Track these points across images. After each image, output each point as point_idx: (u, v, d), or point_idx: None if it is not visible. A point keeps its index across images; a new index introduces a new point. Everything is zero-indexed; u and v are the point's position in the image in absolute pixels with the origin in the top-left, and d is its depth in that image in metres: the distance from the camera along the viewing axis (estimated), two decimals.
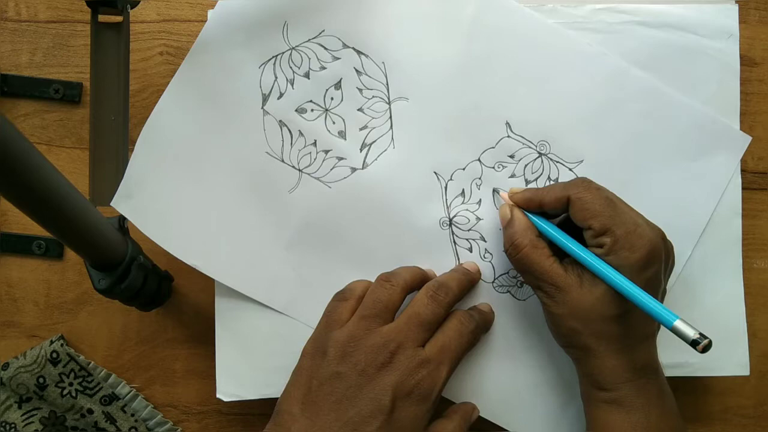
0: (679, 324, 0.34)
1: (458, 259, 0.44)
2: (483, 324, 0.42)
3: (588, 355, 0.38)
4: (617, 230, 0.37)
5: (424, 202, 0.44)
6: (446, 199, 0.44)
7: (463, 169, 0.44)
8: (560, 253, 0.39)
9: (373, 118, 0.44)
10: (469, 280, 0.42)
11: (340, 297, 0.41)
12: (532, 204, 0.40)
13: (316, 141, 0.44)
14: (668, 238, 0.39)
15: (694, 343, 0.33)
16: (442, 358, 0.38)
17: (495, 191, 0.43)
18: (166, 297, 0.46)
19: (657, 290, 0.38)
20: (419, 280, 0.41)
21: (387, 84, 0.44)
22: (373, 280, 0.43)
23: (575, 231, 0.39)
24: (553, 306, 0.38)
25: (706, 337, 0.33)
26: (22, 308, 0.48)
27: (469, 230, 0.44)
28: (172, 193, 0.44)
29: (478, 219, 0.44)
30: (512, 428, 0.44)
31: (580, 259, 0.38)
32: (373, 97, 0.44)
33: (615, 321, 0.37)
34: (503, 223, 0.41)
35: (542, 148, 0.44)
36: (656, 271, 0.37)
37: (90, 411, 0.46)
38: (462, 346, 0.40)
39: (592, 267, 0.37)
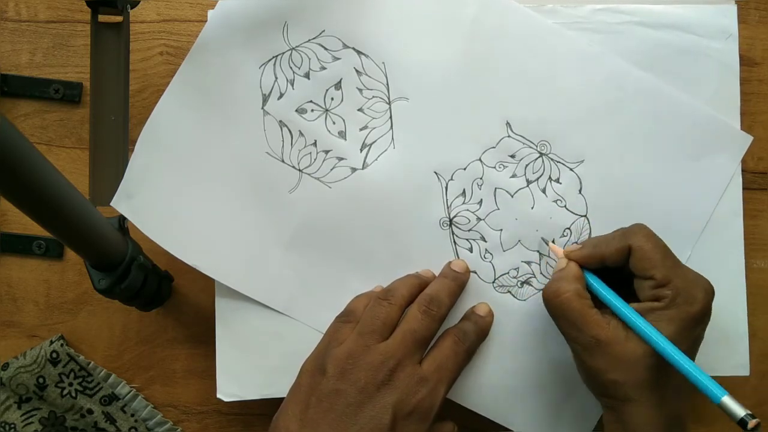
0: (726, 400, 0.33)
1: (458, 259, 0.44)
2: (478, 338, 0.42)
3: (626, 405, 0.37)
4: (679, 283, 0.36)
5: (424, 202, 0.44)
6: (446, 199, 0.44)
7: (464, 168, 0.44)
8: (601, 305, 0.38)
9: (373, 118, 0.44)
10: (459, 285, 0.42)
11: (343, 319, 0.41)
12: (592, 260, 0.39)
13: (316, 141, 0.44)
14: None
15: (742, 422, 0.32)
16: (440, 376, 0.38)
17: (545, 241, 0.43)
18: (166, 297, 0.46)
19: (699, 345, 0.38)
20: (417, 291, 0.41)
21: (387, 84, 0.44)
22: (372, 282, 0.43)
23: (618, 282, 0.39)
24: (589, 359, 0.37)
25: (754, 417, 0.32)
26: (22, 308, 0.48)
27: (469, 230, 0.44)
28: (172, 193, 0.44)
29: (479, 219, 0.44)
30: (512, 426, 0.44)
31: (629, 322, 0.36)
32: (374, 97, 0.44)
33: (660, 370, 0.36)
34: (555, 274, 0.40)
35: (543, 148, 0.44)
36: (706, 325, 0.37)
37: (90, 411, 0.46)
38: (458, 365, 0.40)
39: (642, 332, 0.36)
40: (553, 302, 0.39)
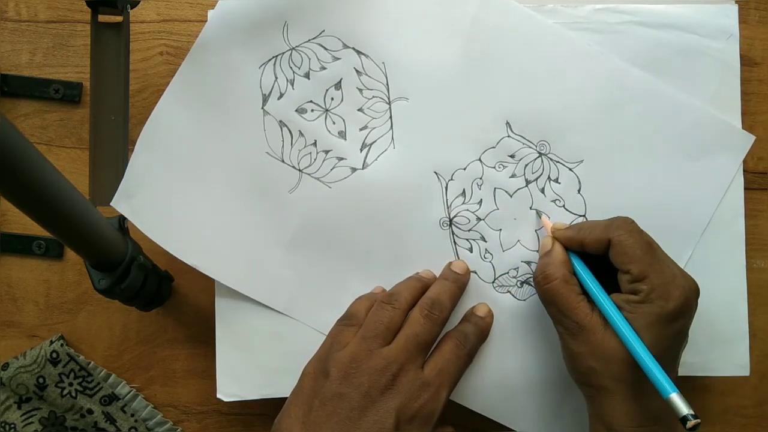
0: (674, 397, 0.34)
1: (458, 259, 0.44)
2: (479, 340, 0.42)
3: (603, 395, 0.37)
4: (655, 279, 0.36)
5: (424, 202, 0.44)
6: (446, 199, 0.44)
7: (464, 168, 0.44)
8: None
9: (373, 118, 0.44)
10: (459, 287, 0.42)
11: (345, 322, 0.41)
12: (573, 243, 0.40)
13: (316, 141, 0.44)
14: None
15: (683, 420, 0.33)
16: (441, 381, 0.38)
17: (538, 213, 0.43)
18: (166, 297, 0.46)
19: (683, 342, 0.38)
20: (419, 294, 0.41)
21: (387, 84, 0.44)
22: (372, 282, 0.43)
23: (611, 270, 0.39)
24: (572, 343, 0.38)
25: (697, 418, 0.33)
26: (22, 308, 0.48)
27: (469, 230, 0.44)
28: (172, 193, 0.44)
29: (479, 219, 0.44)
30: (512, 426, 0.44)
31: (603, 310, 0.37)
32: (373, 97, 0.44)
33: (636, 366, 0.36)
34: (541, 253, 0.41)
35: (542, 148, 0.44)
36: (685, 323, 0.37)
37: (90, 411, 0.46)
38: (460, 368, 0.40)
39: (611, 320, 0.37)
40: (542, 288, 0.40)
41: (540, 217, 0.43)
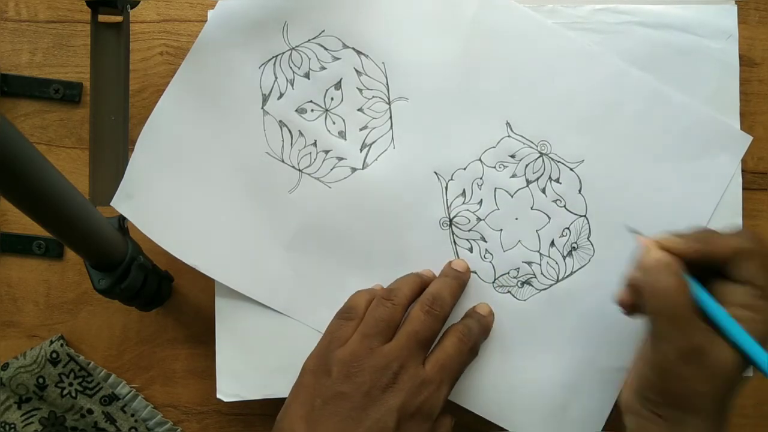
0: None
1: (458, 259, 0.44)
2: (482, 336, 0.42)
3: (693, 416, 0.34)
4: None
5: (424, 202, 0.44)
6: (446, 199, 0.44)
7: (464, 168, 0.44)
8: None
9: (373, 118, 0.44)
10: (460, 285, 0.42)
11: (344, 316, 0.41)
12: (697, 254, 0.35)
13: (316, 141, 0.44)
14: None
15: None
16: (442, 377, 0.38)
17: (635, 231, 0.38)
18: (166, 297, 0.46)
19: None
20: (419, 290, 0.41)
21: (387, 84, 0.44)
22: (372, 282, 0.43)
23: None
24: (680, 366, 0.34)
25: None
26: (22, 308, 0.48)
27: (469, 230, 0.44)
28: (172, 193, 0.44)
29: (479, 219, 0.44)
30: (512, 428, 0.44)
31: (722, 323, 0.34)
32: (373, 97, 0.44)
33: (736, 383, 0.35)
34: (647, 265, 0.35)
35: (543, 148, 0.44)
36: None
37: (90, 411, 0.46)
38: (462, 364, 0.40)
39: (733, 336, 0.34)
40: (666, 300, 0.34)
41: (636, 235, 0.38)
